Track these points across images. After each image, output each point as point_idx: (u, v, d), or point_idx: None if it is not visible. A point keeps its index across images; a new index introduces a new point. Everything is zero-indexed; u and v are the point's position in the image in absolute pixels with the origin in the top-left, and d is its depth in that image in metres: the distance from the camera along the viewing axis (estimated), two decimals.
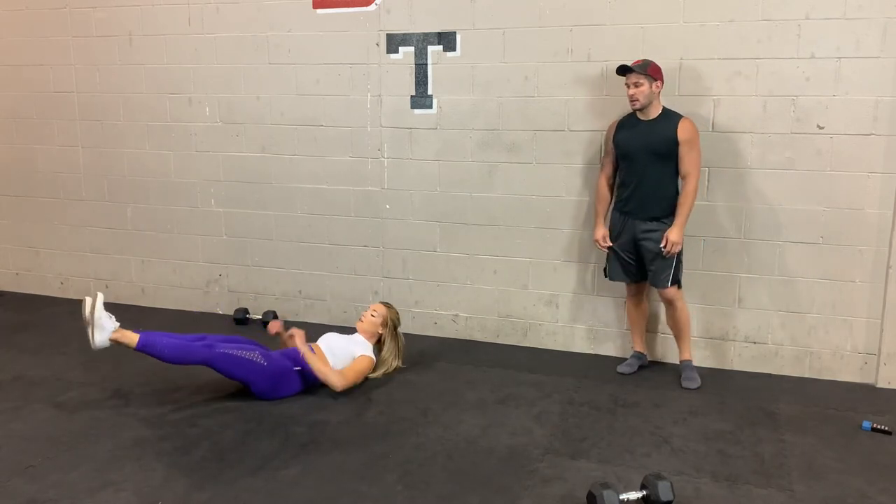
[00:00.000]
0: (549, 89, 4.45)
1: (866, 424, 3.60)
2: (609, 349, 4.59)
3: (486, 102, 4.59)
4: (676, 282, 4.06)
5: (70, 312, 5.46)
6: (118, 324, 3.66)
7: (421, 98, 4.72)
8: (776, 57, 4.04)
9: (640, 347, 4.39)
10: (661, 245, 3.93)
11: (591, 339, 4.65)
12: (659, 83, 3.93)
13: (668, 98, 4.20)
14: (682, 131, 3.91)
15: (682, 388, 4.07)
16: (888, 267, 4.06)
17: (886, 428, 3.56)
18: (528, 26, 4.43)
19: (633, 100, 3.93)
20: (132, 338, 3.65)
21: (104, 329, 3.61)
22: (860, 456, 3.35)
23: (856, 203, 4.06)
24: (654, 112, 3.98)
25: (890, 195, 4.01)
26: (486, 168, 4.66)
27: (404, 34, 4.68)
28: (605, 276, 4.31)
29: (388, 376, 4.23)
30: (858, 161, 4.02)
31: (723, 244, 4.30)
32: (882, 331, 4.12)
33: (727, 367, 4.41)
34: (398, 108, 4.78)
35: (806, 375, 4.28)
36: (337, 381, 3.90)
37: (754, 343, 4.35)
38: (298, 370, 3.92)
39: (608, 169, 4.19)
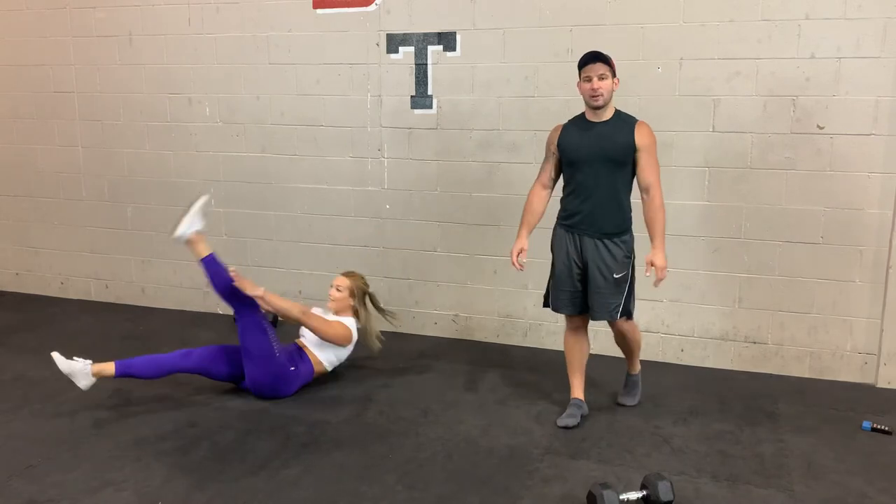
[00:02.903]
0: (549, 89, 4.45)
1: (866, 424, 3.61)
2: (609, 349, 4.58)
3: (486, 102, 4.59)
4: (627, 313, 3.58)
5: (71, 312, 5.48)
6: (90, 361, 3.69)
7: (421, 98, 4.72)
8: (776, 57, 4.04)
9: (579, 393, 3.76)
10: (646, 274, 3.43)
11: (591, 339, 4.61)
12: (617, 80, 3.44)
13: (667, 98, 4.21)
14: (641, 136, 3.39)
15: (616, 402, 3.90)
16: (888, 267, 4.06)
17: (886, 428, 3.57)
18: (528, 26, 4.43)
19: (595, 94, 3.35)
20: (108, 368, 3.70)
21: (80, 376, 3.66)
22: (860, 456, 3.36)
23: (856, 203, 4.06)
24: (608, 114, 3.45)
25: (890, 195, 4.01)
26: (486, 168, 4.66)
27: (404, 34, 4.68)
28: (545, 306, 3.76)
29: (388, 376, 4.24)
30: (858, 161, 4.02)
31: (723, 244, 4.30)
32: (882, 331, 4.12)
33: (727, 367, 4.41)
34: (398, 108, 4.78)
35: (806, 375, 4.28)
36: (299, 313, 3.89)
37: (754, 343, 4.35)
38: (294, 370, 3.92)
39: (545, 177, 3.63)
